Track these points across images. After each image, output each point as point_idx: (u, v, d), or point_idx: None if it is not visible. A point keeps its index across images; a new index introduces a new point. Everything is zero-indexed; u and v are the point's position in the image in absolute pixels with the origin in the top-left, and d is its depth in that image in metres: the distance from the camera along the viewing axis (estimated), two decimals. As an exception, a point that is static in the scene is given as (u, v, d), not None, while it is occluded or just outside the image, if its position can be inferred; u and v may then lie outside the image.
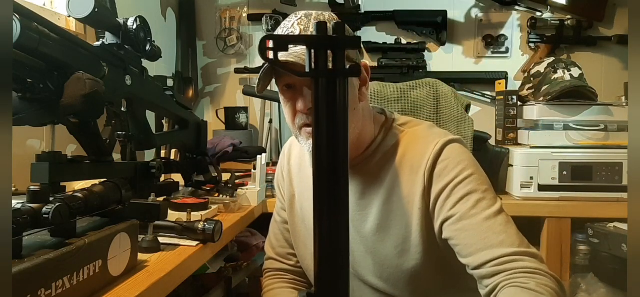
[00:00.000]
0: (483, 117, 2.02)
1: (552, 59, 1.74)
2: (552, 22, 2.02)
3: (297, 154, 1.07)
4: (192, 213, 1.00)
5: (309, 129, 0.88)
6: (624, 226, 1.39)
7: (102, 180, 0.80)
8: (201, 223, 0.90)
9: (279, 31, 0.89)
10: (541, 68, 1.69)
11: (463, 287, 0.94)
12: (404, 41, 2.11)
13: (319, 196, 0.41)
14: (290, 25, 0.87)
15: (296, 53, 0.81)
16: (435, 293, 0.93)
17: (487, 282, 0.79)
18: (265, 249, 1.15)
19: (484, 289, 0.80)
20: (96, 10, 0.72)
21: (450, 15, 2.10)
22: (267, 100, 2.06)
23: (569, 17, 2.03)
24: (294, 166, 1.07)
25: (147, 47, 0.88)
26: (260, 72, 0.87)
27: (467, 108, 1.45)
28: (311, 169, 1.04)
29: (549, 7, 2.03)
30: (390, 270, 0.92)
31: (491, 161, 1.56)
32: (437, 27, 2.09)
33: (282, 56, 0.83)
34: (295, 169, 1.06)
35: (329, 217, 0.41)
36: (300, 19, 0.87)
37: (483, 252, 0.80)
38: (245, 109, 2.06)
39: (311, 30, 0.85)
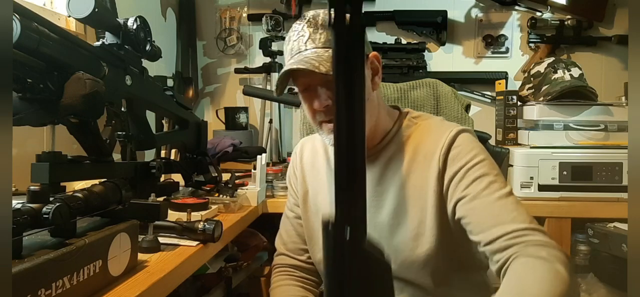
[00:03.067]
0: (483, 117, 2.02)
1: (552, 59, 1.74)
2: (552, 22, 2.03)
3: (309, 152, 1.11)
4: (192, 213, 1.00)
5: (329, 125, 0.93)
6: (624, 226, 1.39)
7: (102, 180, 0.80)
8: (201, 223, 0.90)
9: (291, 34, 0.93)
10: (541, 68, 1.69)
11: (474, 274, 0.97)
12: (404, 41, 2.11)
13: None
14: (300, 28, 0.91)
15: (307, 58, 0.86)
16: (447, 277, 0.94)
17: (498, 257, 0.81)
18: (275, 245, 1.16)
19: (495, 264, 0.82)
20: (96, 10, 0.72)
21: (450, 15, 2.10)
22: (267, 101, 2.06)
23: (569, 17, 2.03)
24: (306, 163, 1.10)
25: (147, 47, 0.88)
26: (278, 79, 0.93)
27: (467, 108, 1.45)
28: (323, 164, 1.07)
29: (549, 7, 2.03)
30: (405, 253, 0.93)
31: (491, 160, 1.55)
32: (437, 27, 2.09)
33: (294, 62, 0.87)
34: (308, 166, 1.10)
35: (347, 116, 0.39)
36: (309, 20, 0.91)
37: (495, 228, 0.82)
38: (245, 109, 2.06)
39: (320, 31, 0.89)
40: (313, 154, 1.10)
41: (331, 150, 1.04)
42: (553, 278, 0.72)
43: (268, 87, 2.07)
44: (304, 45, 0.89)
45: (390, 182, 0.96)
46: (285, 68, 0.90)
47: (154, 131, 1.02)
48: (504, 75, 2.05)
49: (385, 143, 0.97)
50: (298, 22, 0.93)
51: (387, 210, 0.95)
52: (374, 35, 2.15)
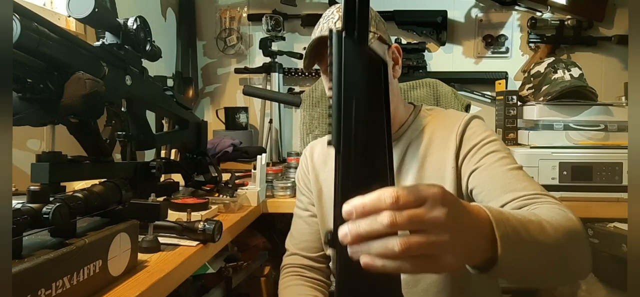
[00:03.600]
0: (483, 117, 2.01)
1: (552, 59, 1.74)
2: (552, 22, 2.02)
3: (320, 152, 1.15)
4: (192, 213, 1.00)
5: None
6: (624, 226, 1.39)
7: (102, 180, 0.80)
8: (201, 223, 0.90)
9: (321, 20, 0.98)
10: (541, 68, 1.69)
11: None
12: (404, 41, 2.11)
13: None
14: (330, 13, 0.97)
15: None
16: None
17: None
18: (285, 246, 1.18)
19: None
20: (96, 10, 0.72)
21: (450, 15, 2.10)
22: (267, 101, 2.06)
23: (569, 17, 2.03)
24: (317, 163, 1.13)
25: (147, 47, 0.88)
26: (305, 52, 0.97)
27: (467, 108, 1.45)
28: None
29: (549, 7, 2.03)
30: None
31: (491, 161, 1.55)
32: (437, 27, 2.09)
33: (324, 33, 0.93)
34: (320, 165, 1.13)
35: None
36: (338, 7, 0.97)
37: (507, 194, 0.83)
38: (245, 109, 2.06)
39: None
40: (324, 153, 1.13)
41: None
42: (567, 217, 0.69)
43: (268, 87, 2.07)
44: (334, 25, 0.93)
45: (408, 166, 0.99)
46: (313, 37, 0.95)
47: (154, 131, 1.02)
48: (504, 75, 2.05)
49: (402, 132, 1.02)
50: (328, 9, 0.99)
51: None
52: (374, 35, 2.15)
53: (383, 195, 0.42)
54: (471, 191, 0.90)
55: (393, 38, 2.10)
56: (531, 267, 0.58)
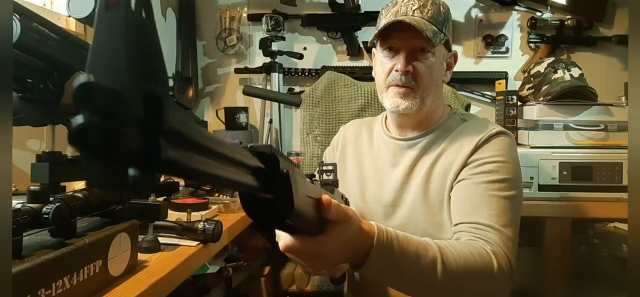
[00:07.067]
0: (483, 117, 2.01)
1: (552, 59, 1.74)
2: (552, 22, 2.02)
3: (355, 127, 1.19)
4: (192, 213, 1.00)
5: (396, 89, 0.99)
6: (624, 226, 1.39)
7: (102, 180, 0.79)
8: (201, 223, 0.90)
9: (399, 1, 1.01)
10: (541, 68, 1.69)
11: None
12: (404, 41, 2.11)
13: None
14: None
15: (415, 22, 0.94)
16: None
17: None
18: None
19: None
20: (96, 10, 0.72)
21: (450, 15, 2.10)
22: (267, 101, 2.06)
23: (569, 17, 2.03)
24: (349, 139, 1.17)
25: (147, 47, 0.88)
26: (378, 29, 1.00)
27: (467, 108, 1.45)
28: (366, 139, 1.13)
29: (549, 7, 2.03)
30: (425, 227, 0.96)
31: (491, 161, 1.55)
32: (437, 27, 2.08)
33: (391, 15, 0.98)
34: (351, 137, 1.17)
35: None
36: None
37: (467, 215, 0.85)
38: (245, 109, 2.06)
39: (428, 8, 0.97)
40: (358, 130, 1.17)
41: (376, 130, 1.14)
42: (482, 263, 0.75)
43: (268, 87, 2.07)
44: (412, 11, 0.97)
45: (425, 161, 1.00)
46: (394, 19, 0.95)
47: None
48: (504, 75, 2.05)
49: (430, 131, 1.03)
50: None
51: (414, 189, 0.99)
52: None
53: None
54: (449, 198, 0.93)
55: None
56: (399, 287, 0.74)
